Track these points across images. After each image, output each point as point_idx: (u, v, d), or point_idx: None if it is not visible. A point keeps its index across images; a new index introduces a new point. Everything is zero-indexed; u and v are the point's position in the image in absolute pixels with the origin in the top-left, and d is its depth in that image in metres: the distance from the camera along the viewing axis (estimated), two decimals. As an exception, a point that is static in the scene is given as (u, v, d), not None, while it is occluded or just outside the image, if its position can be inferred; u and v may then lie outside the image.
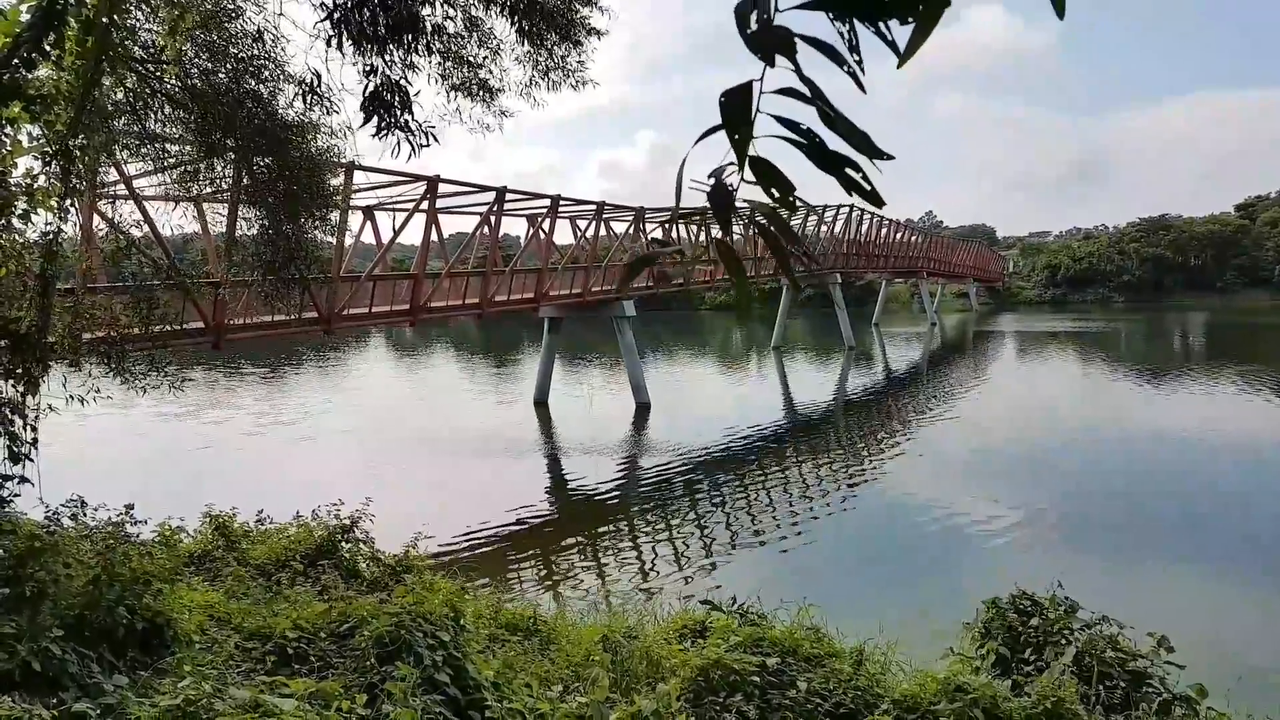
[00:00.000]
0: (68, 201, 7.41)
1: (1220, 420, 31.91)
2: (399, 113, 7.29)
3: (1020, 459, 27.43)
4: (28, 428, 7.18)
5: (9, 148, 6.72)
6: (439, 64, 9.21)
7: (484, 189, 28.34)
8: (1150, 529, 19.54)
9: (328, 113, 9.19)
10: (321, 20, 7.01)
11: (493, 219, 29.91)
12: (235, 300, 20.47)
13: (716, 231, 1.84)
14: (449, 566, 12.64)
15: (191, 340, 19.88)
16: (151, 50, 8.60)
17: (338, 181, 16.31)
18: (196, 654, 5.80)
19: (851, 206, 55.64)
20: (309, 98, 8.43)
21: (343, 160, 11.48)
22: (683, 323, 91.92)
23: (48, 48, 6.35)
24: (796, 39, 1.57)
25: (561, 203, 32.38)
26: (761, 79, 1.59)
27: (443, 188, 26.27)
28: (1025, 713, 5.94)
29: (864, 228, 61.77)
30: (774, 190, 1.70)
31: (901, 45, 1.58)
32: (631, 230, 37.65)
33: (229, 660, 5.94)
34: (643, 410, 35.86)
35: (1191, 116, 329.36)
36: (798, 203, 1.76)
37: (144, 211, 15.35)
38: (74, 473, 15.33)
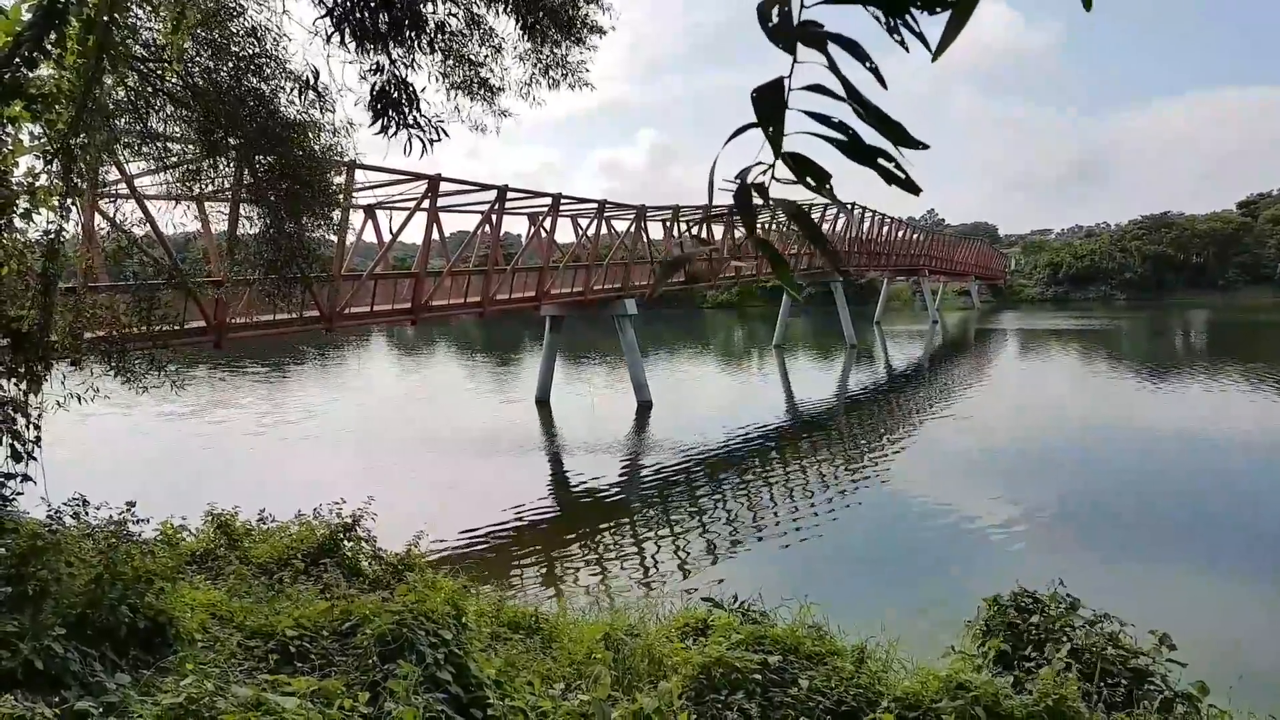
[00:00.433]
0: (69, 200, 7.43)
1: (1223, 418, 31.89)
2: (407, 110, 7.29)
3: (1022, 457, 27.42)
4: (30, 426, 7.19)
5: (10, 147, 6.72)
6: (440, 62, 9.21)
7: (485, 187, 28.34)
8: (1152, 527, 19.53)
9: (323, 112, 9.20)
10: (321, 17, 7.01)
11: (494, 217, 29.91)
12: (236, 299, 20.48)
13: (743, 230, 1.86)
14: (451, 565, 12.65)
15: (193, 339, 19.90)
16: (153, 49, 8.60)
17: (340, 180, 16.31)
18: (198, 652, 5.80)
19: (853, 204, 55.51)
20: (304, 93, 8.42)
21: (344, 159, 11.47)
22: (684, 321, 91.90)
23: (49, 46, 6.35)
24: (822, 33, 1.59)
25: (563, 201, 32.38)
26: (790, 75, 1.61)
27: (444, 186, 26.29)
28: (1027, 710, 5.94)
29: (866, 225, 61.65)
30: (810, 180, 1.72)
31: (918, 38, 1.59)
32: (633, 229, 37.63)
33: (231, 659, 5.94)
34: (644, 409, 35.87)
35: (1192, 115, 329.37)
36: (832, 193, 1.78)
37: (145, 210, 15.35)
38: (76, 472, 15.34)
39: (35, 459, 7.13)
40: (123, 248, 10.44)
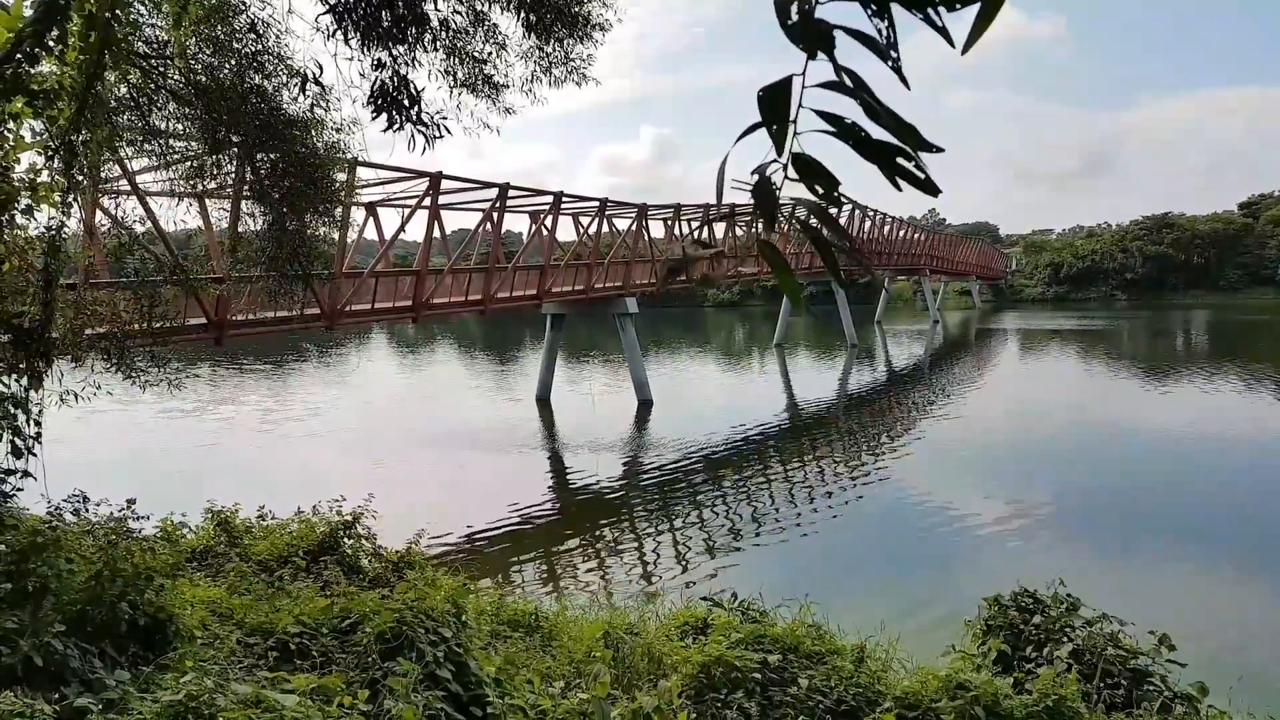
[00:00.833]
0: (71, 197, 7.41)
1: (1223, 418, 31.86)
2: (409, 106, 7.28)
3: (1022, 456, 27.41)
4: (31, 422, 7.19)
5: (12, 143, 6.71)
6: (443, 59, 9.19)
7: (487, 185, 28.32)
8: (1153, 526, 19.51)
9: (327, 110, 9.18)
10: (324, 13, 6.99)
11: (495, 215, 29.90)
12: (238, 296, 20.47)
13: (760, 228, 1.82)
14: (451, 563, 12.66)
15: (194, 336, 19.90)
16: (155, 45, 8.59)
17: (342, 177, 16.29)
18: (198, 649, 5.80)
19: (854, 204, 55.46)
20: (304, 88, 8.40)
21: (347, 156, 11.46)
22: (685, 320, 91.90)
23: (51, 42, 6.35)
24: (837, 31, 1.55)
25: (564, 199, 32.37)
26: (804, 73, 1.57)
27: (445, 184, 26.27)
28: (1026, 710, 5.94)
29: (867, 225, 61.64)
30: (818, 186, 1.68)
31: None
32: (634, 227, 37.61)
33: (231, 656, 5.94)
34: (645, 407, 35.87)
35: (1193, 115, 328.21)
36: (842, 198, 1.74)
37: (147, 207, 15.33)
38: (77, 468, 15.35)
39: (35, 455, 7.13)
40: (124, 244, 10.41)
